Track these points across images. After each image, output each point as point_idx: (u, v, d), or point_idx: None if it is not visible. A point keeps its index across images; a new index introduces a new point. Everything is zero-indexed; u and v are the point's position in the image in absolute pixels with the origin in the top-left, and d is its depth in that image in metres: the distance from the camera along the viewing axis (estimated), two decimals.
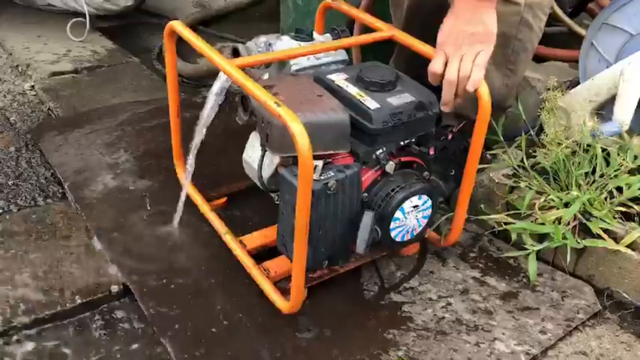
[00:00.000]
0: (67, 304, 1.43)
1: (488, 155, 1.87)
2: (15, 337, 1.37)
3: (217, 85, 1.44)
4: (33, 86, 2.55)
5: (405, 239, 1.50)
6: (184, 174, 1.81)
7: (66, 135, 2.15)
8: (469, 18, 1.40)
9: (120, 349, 1.36)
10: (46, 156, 2.03)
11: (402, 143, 1.46)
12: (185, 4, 3.78)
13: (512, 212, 1.67)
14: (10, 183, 1.90)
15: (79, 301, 1.45)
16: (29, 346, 1.35)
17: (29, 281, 1.50)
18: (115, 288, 1.49)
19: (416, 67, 1.53)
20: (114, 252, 1.60)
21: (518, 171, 1.75)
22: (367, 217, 1.36)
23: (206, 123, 1.48)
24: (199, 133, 1.51)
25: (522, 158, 1.78)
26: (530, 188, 1.67)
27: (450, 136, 1.72)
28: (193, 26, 3.33)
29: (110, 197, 1.82)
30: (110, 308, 1.46)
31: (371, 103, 1.41)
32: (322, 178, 1.31)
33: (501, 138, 1.83)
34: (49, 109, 2.37)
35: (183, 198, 1.67)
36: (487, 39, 1.42)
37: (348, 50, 1.76)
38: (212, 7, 3.64)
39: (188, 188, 1.68)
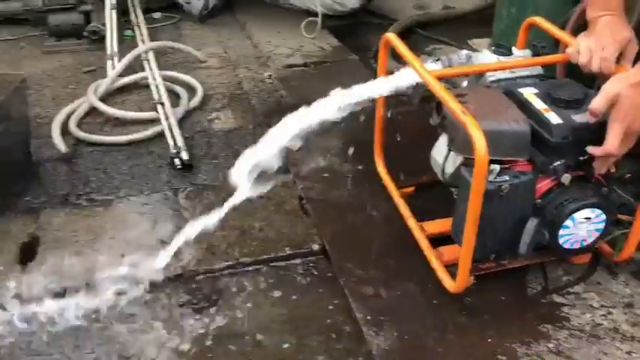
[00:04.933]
0: (279, 253, 1.84)
1: None
2: (239, 271, 1.80)
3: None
4: (270, 75, 3.06)
5: (574, 247, 1.61)
6: (382, 163, 2.11)
7: None
8: None
9: (312, 292, 1.71)
10: None
11: (581, 158, 1.57)
12: (406, 5, 4.08)
13: None
14: None
15: (288, 251, 1.84)
16: (247, 280, 1.77)
17: (253, 232, 1.93)
18: (315, 246, 1.86)
19: None
20: (318, 218, 1.96)
21: None
22: (531, 224, 1.52)
23: None
24: None
25: None
26: None
27: None
28: (411, 28, 3.61)
29: (320, 175, 2.20)
30: (309, 261, 1.83)
31: (554, 118, 1.54)
32: (497, 180, 1.49)
33: None
34: (281, 96, 2.85)
35: None
36: None
37: (550, 66, 1.87)
38: (430, 12, 3.89)
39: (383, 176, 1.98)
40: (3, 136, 2.08)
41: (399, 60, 2.98)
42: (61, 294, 1.72)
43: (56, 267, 1.80)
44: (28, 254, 1.87)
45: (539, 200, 1.57)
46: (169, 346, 1.56)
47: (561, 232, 1.56)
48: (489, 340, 1.52)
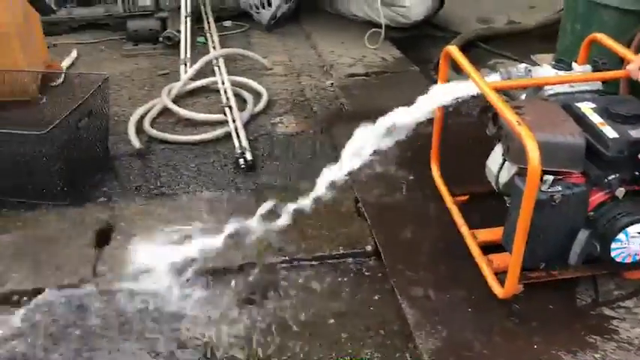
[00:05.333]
0: (333, 251, 1.93)
1: None
2: (295, 266, 1.91)
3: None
4: (332, 84, 3.16)
5: (626, 261, 1.63)
6: (437, 171, 2.17)
7: (352, 126, 2.67)
8: None
9: (363, 290, 1.79)
10: (335, 140, 2.57)
11: (637, 173, 1.58)
12: (469, 19, 4.11)
13: None
14: (307, 157, 2.49)
15: (341, 250, 1.93)
16: (302, 275, 1.87)
17: (310, 230, 2.03)
18: (368, 247, 1.94)
19: None
20: (372, 220, 2.04)
21: None
22: (582, 235, 1.56)
23: None
24: None
25: None
26: None
27: None
28: (472, 41, 3.64)
29: (376, 179, 2.27)
30: (362, 261, 1.91)
31: (610, 132, 1.57)
32: (550, 190, 1.53)
33: None
34: (341, 103, 2.95)
35: None
36: None
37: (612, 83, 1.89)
38: (493, 26, 3.90)
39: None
40: (86, 130, 2.27)
41: (459, 72, 3.04)
42: (130, 277, 1.86)
43: (127, 252, 1.95)
44: (102, 240, 2.03)
45: (591, 213, 1.59)
46: (227, 330, 1.68)
47: (613, 245, 1.58)
48: (535, 347, 1.56)
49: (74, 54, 3.60)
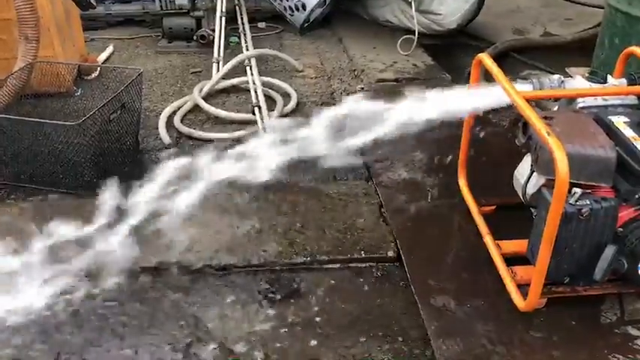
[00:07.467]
0: (354, 255, 1.92)
1: None
2: (315, 268, 1.90)
3: None
4: (362, 88, 3.16)
5: None
6: (464, 180, 2.14)
7: None
8: None
9: (383, 296, 1.78)
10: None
11: None
12: (504, 30, 4.07)
13: None
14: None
15: (363, 255, 1.92)
16: (322, 276, 1.87)
17: (332, 233, 2.03)
18: (390, 253, 1.93)
19: None
20: (395, 226, 2.03)
21: None
22: (609, 250, 1.52)
23: None
24: None
25: None
26: None
27: None
28: (506, 52, 3.60)
29: (401, 185, 2.27)
30: (383, 266, 1.90)
31: None
32: (578, 203, 1.50)
33: None
34: None
35: None
36: None
37: None
38: (528, 38, 3.85)
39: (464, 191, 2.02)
40: (118, 123, 2.31)
41: (491, 81, 3.00)
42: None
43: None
44: None
45: (620, 229, 1.56)
46: (245, 328, 1.69)
47: None
48: None
49: (110, 49, 3.68)
